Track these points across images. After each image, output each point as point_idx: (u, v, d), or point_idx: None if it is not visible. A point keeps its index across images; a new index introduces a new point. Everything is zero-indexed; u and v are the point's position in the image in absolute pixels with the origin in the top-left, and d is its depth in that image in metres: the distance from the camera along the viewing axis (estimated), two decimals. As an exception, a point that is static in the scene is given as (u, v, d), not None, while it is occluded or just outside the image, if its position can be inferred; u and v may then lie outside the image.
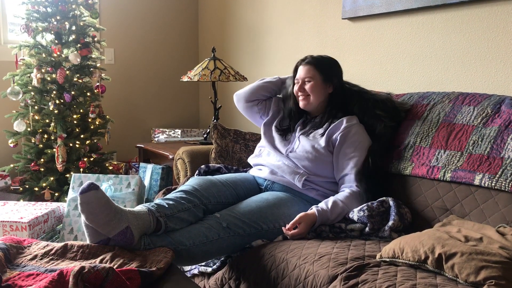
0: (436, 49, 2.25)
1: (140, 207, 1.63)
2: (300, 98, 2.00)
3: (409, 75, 2.39)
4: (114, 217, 1.49)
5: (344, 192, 1.82)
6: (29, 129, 2.97)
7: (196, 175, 2.14)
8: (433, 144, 1.81)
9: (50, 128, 2.98)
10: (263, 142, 2.10)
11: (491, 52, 2.03)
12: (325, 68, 1.98)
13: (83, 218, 1.51)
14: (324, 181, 1.91)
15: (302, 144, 1.95)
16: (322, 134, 1.93)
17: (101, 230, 1.48)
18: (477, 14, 2.07)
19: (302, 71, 2.00)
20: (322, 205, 1.76)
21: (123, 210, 1.53)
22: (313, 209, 1.74)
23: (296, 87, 2.00)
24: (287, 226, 1.71)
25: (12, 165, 3.04)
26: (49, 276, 1.20)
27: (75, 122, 3.02)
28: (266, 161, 2.01)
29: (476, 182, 1.62)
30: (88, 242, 1.52)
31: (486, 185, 1.59)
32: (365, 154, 1.87)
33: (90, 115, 3.07)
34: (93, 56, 3.16)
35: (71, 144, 2.98)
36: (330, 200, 1.78)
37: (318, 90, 1.98)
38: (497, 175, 1.57)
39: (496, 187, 1.57)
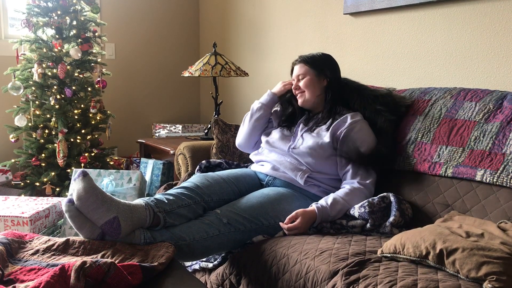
0: (438, 44, 2.24)
1: (138, 201, 1.63)
2: (298, 96, 2.05)
3: (411, 70, 2.38)
4: (102, 205, 1.49)
5: (345, 188, 1.82)
6: (30, 124, 2.98)
7: (197, 170, 2.14)
8: (435, 140, 1.80)
9: (51, 123, 2.98)
10: (263, 144, 2.11)
11: (493, 47, 2.03)
12: (315, 62, 2.02)
13: (71, 217, 1.51)
14: (327, 177, 1.91)
15: (305, 140, 1.94)
16: (326, 131, 1.93)
17: (90, 217, 1.49)
18: (479, 10, 2.06)
19: (295, 70, 2.06)
20: (321, 202, 1.76)
21: (114, 200, 1.53)
22: (313, 206, 1.74)
23: (293, 86, 2.05)
24: (285, 221, 1.72)
25: (13, 160, 3.04)
26: (51, 271, 1.20)
27: (76, 117, 3.02)
28: (268, 157, 2.01)
29: (478, 178, 1.62)
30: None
31: (487, 181, 1.59)
32: (369, 150, 1.87)
33: (91, 110, 3.07)
34: (94, 51, 3.15)
35: (72, 139, 2.98)
36: (330, 197, 1.78)
37: (312, 85, 2.00)
38: (499, 171, 1.57)
39: (497, 183, 1.57)
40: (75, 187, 1.52)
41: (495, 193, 1.58)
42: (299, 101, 2.04)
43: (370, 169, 1.85)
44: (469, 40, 2.11)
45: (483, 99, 1.77)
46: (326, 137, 1.91)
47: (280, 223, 1.72)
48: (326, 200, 1.76)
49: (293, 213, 1.71)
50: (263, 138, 2.11)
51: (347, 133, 1.89)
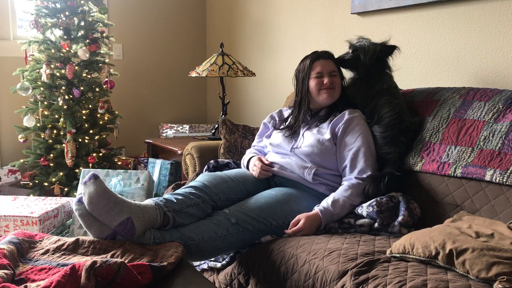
0: (446, 44, 2.23)
1: (148, 201, 1.64)
2: (326, 91, 1.96)
3: (419, 70, 2.37)
4: (115, 207, 1.50)
5: (343, 185, 1.83)
6: (38, 125, 2.99)
7: (205, 170, 2.15)
8: (444, 140, 1.80)
9: (59, 124, 3.00)
10: (268, 147, 2.11)
11: (502, 46, 2.01)
12: (337, 64, 2.04)
13: (81, 215, 1.52)
14: (333, 174, 1.92)
15: (306, 139, 1.95)
16: (327, 127, 1.94)
17: (103, 220, 1.50)
18: (488, 9, 2.05)
19: (326, 64, 1.98)
20: (323, 204, 1.77)
21: (126, 201, 1.54)
22: (316, 209, 1.75)
23: (325, 80, 1.95)
24: (289, 227, 1.73)
25: (22, 160, 3.06)
26: (62, 270, 1.21)
27: (84, 117, 3.03)
28: (274, 159, 2.01)
29: (487, 178, 1.61)
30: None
31: (497, 181, 1.58)
32: (366, 145, 1.87)
33: (99, 110, 3.09)
34: (101, 51, 3.17)
35: (80, 140, 2.99)
36: (330, 197, 1.79)
37: (340, 83, 2.02)
38: (509, 171, 1.56)
39: (507, 183, 1.56)
40: (86, 190, 1.52)
41: (504, 193, 1.57)
42: (326, 96, 1.96)
43: (368, 164, 1.85)
44: (477, 39, 2.10)
45: (492, 98, 1.76)
46: (326, 134, 1.92)
47: (285, 230, 1.72)
48: (327, 201, 1.77)
49: (295, 218, 1.73)
50: (267, 141, 2.11)
51: (345, 128, 1.90)
